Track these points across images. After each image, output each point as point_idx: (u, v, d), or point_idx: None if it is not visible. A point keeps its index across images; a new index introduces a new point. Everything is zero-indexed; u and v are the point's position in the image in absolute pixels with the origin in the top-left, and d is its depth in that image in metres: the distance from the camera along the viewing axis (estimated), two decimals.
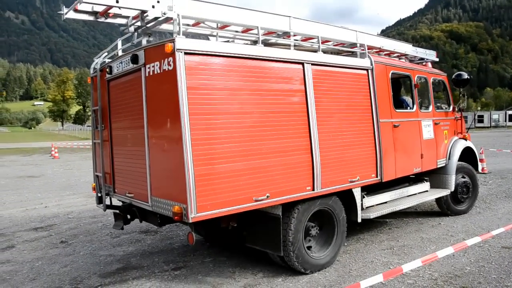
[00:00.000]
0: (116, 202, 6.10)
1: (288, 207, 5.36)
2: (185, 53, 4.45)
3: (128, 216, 5.75)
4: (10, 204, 11.56)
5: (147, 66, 4.90)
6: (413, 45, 7.96)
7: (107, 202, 6.11)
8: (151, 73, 4.87)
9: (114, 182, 6.00)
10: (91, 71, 6.26)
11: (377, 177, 6.41)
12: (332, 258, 5.82)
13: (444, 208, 8.34)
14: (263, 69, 5.10)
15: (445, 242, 6.74)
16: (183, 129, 4.36)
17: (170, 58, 4.48)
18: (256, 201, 4.89)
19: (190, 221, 4.39)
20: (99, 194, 6.17)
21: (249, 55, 4.96)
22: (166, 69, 4.57)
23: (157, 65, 4.73)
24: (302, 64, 5.47)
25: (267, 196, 4.97)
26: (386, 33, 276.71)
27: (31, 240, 7.73)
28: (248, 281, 5.37)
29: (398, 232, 7.51)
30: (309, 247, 5.70)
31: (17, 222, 9.32)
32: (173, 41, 4.43)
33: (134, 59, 5.04)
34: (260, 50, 5.09)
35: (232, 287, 5.24)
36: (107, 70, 5.82)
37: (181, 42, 4.44)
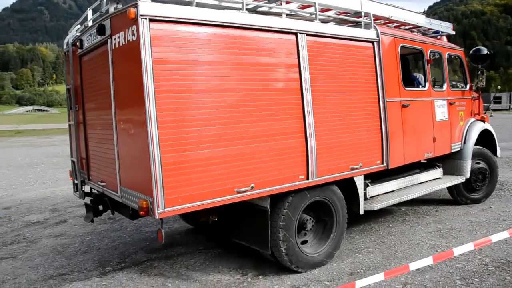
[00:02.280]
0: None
1: (278, 199, 4.62)
2: (151, 20, 3.68)
3: (100, 207, 5.09)
4: (62, 181, 11.89)
5: (113, 37, 4.15)
6: (426, 16, 7.02)
7: (88, 189, 5.47)
8: (117, 45, 4.12)
9: (88, 168, 5.33)
10: (64, 46, 5.54)
11: (382, 163, 5.61)
12: (330, 255, 5.09)
13: (455, 196, 7.51)
14: (248, 39, 4.29)
15: (497, 227, 6.21)
16: (148, 110, 3.63)
17: (134, 27, 3.71)
18: (239, 192, 4.15)
19: (157, 217, 3.69)
20: (76, 181, 5.52)
21: (231, 23, 4.15)
22: (130, 40, 3.81)
23: (122, 35, 3.97)
24: (296, 34, 4.63)
25: (252, 187, 4.23)
26: (434, 9, 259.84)
27: (82, 215, 7.46)
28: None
29: (445, 214, 7.03)
30: (304, 242, 4.97)
31: (68, 198, 9.49)
32: (136, 5, 3.66)
33: (100, 30, 4.29)
34: (244, 18, 4.27)
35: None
36: (77, 44, 5.10)
37: (146, 7, 3.66)
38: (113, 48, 4.19)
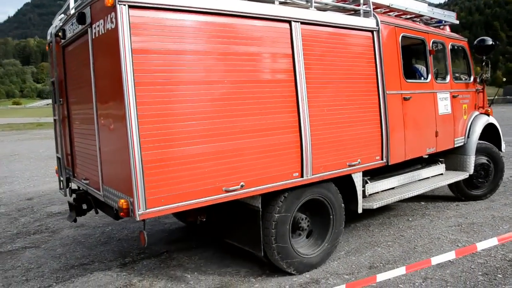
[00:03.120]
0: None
1: (270, 198, 4.33)
2: (130, 7, 3.37)
3: (84, 206, 4.81)
4: None
5: (93, 26, 3.86)
6: (429, 5, 6.68)
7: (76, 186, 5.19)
8: (96, 35, 3.83)
9: (73, 165, 5.05)
10: (48, 36, 5.25)
11: (382, 159, 5.31)
12: (327, 255, 4.81)
13: (455, 192, 7.21)
14: (238, 28, 3.98)
15: None
16: (127, 103, 3.33)
17: (112, 14, 3.41)
18: (227, 191, 3.87)
19: (137, 218, 3.41)
20: (61, 178, 5.25)
21: (219, 10, 3.83)
22: (109, 28, 3.51)
23: (101, 23, 3.67)
24: (289, 22, 4.31)
25: (242, 186, 3.94)
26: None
27: None
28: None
29: (466, 208, 6.83)
30: (298, 242, 4.69)
31: None
32: None
33: (80, 18, 3.99)
34: (233, 4, 3.94)
35: None
36: (59, 34, 4.81)
37: None
38: (93, 37, 3.89)
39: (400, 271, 3.98)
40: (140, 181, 3.38)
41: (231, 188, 3.86)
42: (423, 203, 7.22)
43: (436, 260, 4.20)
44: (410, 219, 6.41)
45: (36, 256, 5.48)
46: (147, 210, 3.44)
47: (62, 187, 5.20)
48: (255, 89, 4.05)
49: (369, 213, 6.44)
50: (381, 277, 3.90)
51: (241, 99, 3.96)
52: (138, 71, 3.38)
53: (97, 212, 4.64)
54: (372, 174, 5.57)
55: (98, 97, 3.96)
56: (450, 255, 4.28)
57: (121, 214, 3.49)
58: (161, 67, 3.50)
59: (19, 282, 4.71)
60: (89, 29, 3.93)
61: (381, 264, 4.79)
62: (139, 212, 3.40)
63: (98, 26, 3.73)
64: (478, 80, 7.36)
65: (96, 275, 4.77)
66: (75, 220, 4.80)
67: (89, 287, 4.50)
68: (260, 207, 4.22)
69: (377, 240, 5.58)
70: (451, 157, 6.92)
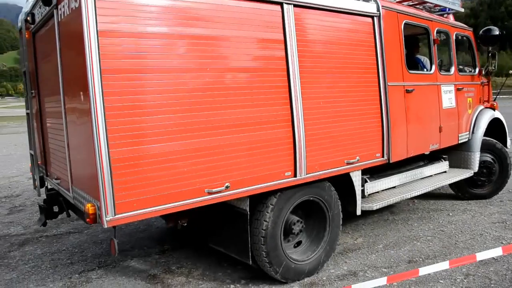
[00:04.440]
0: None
1: (259, 199, 3.88)
2: None
3: (55, 208, 4.34)
4: None
5: (59, 6, 3.39)
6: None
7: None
8: (62, 16, 3.36)
9: (46, 163, 4.59)
10: (18, 22, 4.76)
11: (383, 156, 4.85)
12: (322, 261, 4.35)
13: (455, 190, 6.76)
14: (222, 9, 3.49)
15: None
16: (92, 93, 2.87)
17: None
18: (210, 193, 3.40)
19: (105, 225, 2.95)
20: (35, 177, 4.78)
21: None
22: (73, 8, 3.04)
23: (66, 3, 3.20)
24: (281, 4, 3.83)
25: (227, 187, 3.48)
26: None
27: None
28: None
29: (511, 205, 6.49)
30: (290, 248, 4.25)
31: None
32: None
33: None
34: None
35: None
36: (28, 19, 4.33)
37: None
38: (59, 20, 3.43)
39: (443, 265, 3.81)
40: (108, 182, 2.92)
41: (214, 190, 3.40)
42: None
43: (481, 256, 4.03)
44: (450, 214, 6.14)
45: (79, 241, 5.56)
46: (117, 216, 2.98)
47: (35, 186, 4.73)
48: (242, 79, 3.59)
49: (408, 207, 6.46)
50: (423, 271, 3.73)
51: (226, 89, 3.49)
52: (105, 56, 2.90)
53: (68, 216, 4.17)
54: (372, 172, 5.12)
55: (65, 87, 3.50)
56: (497, 252, 4.07)
57: (87, 220, 3.03)
58: (131, 52, 3.03)
59: (64, 264, 4.83)
60: (55, 11, 3.47)
61: (420, 259, 4.61)
62: (107, 219, 2.94)
63: (64, 6, 3.26)
64: (483, 72, 6.90)
65: (136, 261, 4.84)
66: (44, 224, 4.31)
67: (130, 272, 4.53)
68: (248, 210, 3.77)
69: (416, 234, 5.38)
70: (454, 153, 6.47)
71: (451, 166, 6.41)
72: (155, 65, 3.12)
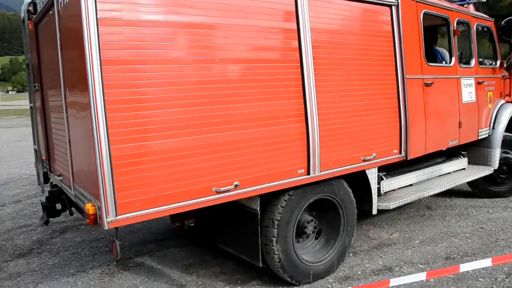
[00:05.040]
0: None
1: (271, 198, 3.66)
2: None
3: (59, 206, 4.16)
4: None
5: None
6: None
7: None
8: (62, 4, 3.16)
9: (49, 159, 4.41)
10: (21, 13, 4.57)
11: (400, 153, 4.58)
12: (336, 263, 4.13)
13: (473, 187, 6.43)
14: None
15: None
16: (91, 85, 2.65)
17: None
18: (218, 193, 3.18)
19: (106, 227, 2.75)
20: (39, 172, 4.60)
21: None
22: None
23: None
24: None
25: (236, 185, 3.26)
26: None
27: None
28: None
29: None
30: (303, 249, 4.02)
31: None
32: None
33: None
34: None
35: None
36: (30, 8, 4.13)
37: None
38: (59, 8, 3.22)
39: (485, 263, 3.68)
40: (109, 181, 2.71)
41: (222, 189, 3.18)
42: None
43: None
44: (490, 211, 5.90)
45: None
46: (118, 217, 2.77)
47: (39, 182, 4.56)
48: (252, 71, 3.34)
49: (445, 203, 6.31)
50: (464, 267, 3.64)
51: (235, 82, 3.26)
52: (105, 46, 2.69)
53: (71, 214, 3.99)
54: (387, 169, 4.85)
55: (65, 80, 3.31)
56: None
57: (87, 221, 2.84)
58: (134, 42, 2.80)
59: (102, 252, 4.89)
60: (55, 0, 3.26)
61: (458, 256, 4.48)
62: (107, 220, 2.74)
63: None
64: (505, 65, 6.56)
65: (172, 251, 4.86)
66: (46, 223, 4.15)
67: (166, 261, 4.57)
68: (258, 209, 3.54)
69: (454, 231, 5.22)
70: (473, 150, 6.16)
71: (469, 162, 6.10)
72: (159, 56, 2.90)
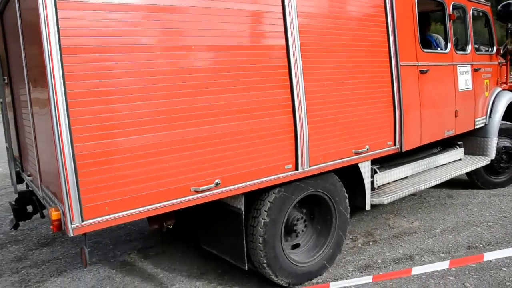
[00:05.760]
0: None
1: (256, 197, 3.39)
2: None
3: (29, 208, 3.87)
4: None
5: None
6: None
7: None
8: None
9: (21, 157, 4.11)
10: None
11: (395, 145, 4.32)
12: (327, 262, 3.87)
13: (473, 178, 6.17)
14: None
15: None
16: (50, 78, 2.35)
17: None
18: (197, 192, 2.90)
19: (71, 234, 2.47)
20: (12, 172, 4.31)
21: None
22: None
23: None
24: None
25: (217, 184, 2.98)
26: None
27: None
28: None
29: None
30: (292, 248, 3.77)
31: None
32: None
33: None
34: None
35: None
36: None
37: None
38: None
39: (509, 252, 3.44)
40: (73, 183, 2.42)
41: (202, 188, 2.90)
42: None
43: None
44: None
45: (137, 220, 5.35)
46: (84, 223, 2.49)
47: (12, 182, 4.26)
48: (233, 58, 3.05)
49: (467, 192, 6.15)
50: (488, 256, 3.39)
51: (215, 70, 2.96)
52: (65, 32, 2.38)
53: (42, 217, 3.70)
54: (381, 162, 4.59)
55: (29, 72, 3.00)
56: None
57: (51, 227, 2.55)
58: (99, 28, 2.50)
59: (123, 241, 4.90)
60: None
61: (481, 245, 4.37)
62: (72, 226, 2.46)
63: None
64: (501, 52, 6.30)
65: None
66: (15, 226, 3.85)
67: (186, 251, 4.49)
68: (242, 209, 3.27)
69: (476, 219, 5.09)
70: (469, 139, 5.91)
71: (466, 153, 5.86)
72: (127, 43, 2.60)
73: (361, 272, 3.88)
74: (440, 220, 5.10)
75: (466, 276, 3.68)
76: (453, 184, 6.22)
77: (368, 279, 2.61)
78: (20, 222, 3.88)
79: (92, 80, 2.48)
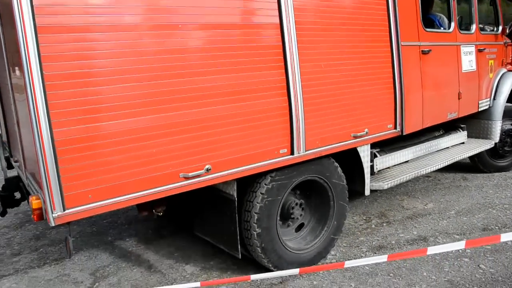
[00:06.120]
0: None
1: (250, 182, 3.26)
2: None
3: (17, 195, 3.76)
4: None
5: None
6: None
7: None
8: None
9: (9, 142, 3.98)
10: None
11: (395, 128, 4.16)
12: (325, 250, 3.76)
13: (476, 161, 5.99)
14: None
15: None
16: (25, 59, 2.19)
17: None
18: (187, 178, 2.77)
19: (52, 223, 2.35)
20: (1, 157, 4.18)
21: None
22: None
23: None
24: None
25: (207, 169, 2.84)
26: None
27: None
28: None
29: None
30: (288, 235, 3.65)
31: None
32: None
33: None
34: None
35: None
36: None
37: None
38: None
39: None
40: (53, 170, 2.29)
41: (191, 174, 2.76)
42: None
43: None
44: None
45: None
46: (66, 211, 2.37)
47: (2, 167, 4.14)
48: (223, 37, 2.88)
49: (482, 174, 6.00)
50: (505, 237, 3.24)
51: (204, 50, 2.80)
52: (40, 10, 2.22)
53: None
54: (381, 145, 4.44)
55: (7, 55, 2.85)
56: None
57: (33, 217, 2.43)
58: (79, 5, 2.33)
59: (139, 221, 4.80)
60: None
61: (496, 227, 4.32)
62: (54, 215, 2.33)
63: None
64: (507, 32, 6.06)
65: None
66: (2, 214, 3.74)
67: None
68: (235, 195, 3.14)
69: (492, 202, 5.03)
70: (472, 122, 5.73)
71: (469, 136, 5.68)
72: (109, 21, 2.43)
73: (375, 253, 3.87)
74: (455, 202, 5.04)
75: (481, 258, 3.63)
76: (468, 166, 6.12)
77: (383, 258, 2.53)
78: (7, 209, 3.76)
79: (71, 62, 2.33)
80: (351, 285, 3.37)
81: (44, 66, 2.23)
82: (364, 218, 4.67)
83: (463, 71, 5.08)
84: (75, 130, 2.35)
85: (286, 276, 3.45)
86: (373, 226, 4.47)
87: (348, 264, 2.87)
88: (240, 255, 3.22)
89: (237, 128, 2.96)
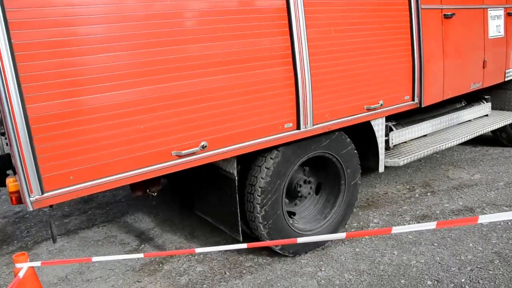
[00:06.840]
0: None
1: (252, 160, 2.98)
2: None
3: (10, 172, 3.57)
4: None
5: None
6: None
7: None
8: None
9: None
10: None
11: (413, 100, 3.79)
12: (335, 230, 3.50)
13: (498, 134, 5.57)
14: None
15: None
16: None
17: None
18: (180, 157, 2.51)
19: (30, 208, 2.13)
20: None
21: None
22: None
23: None
24: None
25: (203, 147, 2.58)
26: None
27: None
28: None
29: None
30: (295, 214, 3.40)
31: None
32: None
33: None
34: None
35: None
36: None
37: None
38: None
39: None
40: (27, 150, 2.05)
41: (185, 152, 2.50)
42: None
43: None
44: None
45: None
46: (45, 194, 2.14)
47: None
48: (221, 1, 2.55)
49: None
50: None
51: (199, 13, 2.48)
52: None
53: None
54: (397, 118, 4.09)
55: None
56: None
57: (11, 200, 2.22)
58: None
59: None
60: None
61: None
62: (31, 199, 2.11)
63: None
64: None
65: None
66: None
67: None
68: (235, 174, 2.87)
69: None
70: (497, 93, 5.30)
71: (493, 108, 5.26)
72: None
73: (419, 222, 3.74)
74: (504, 173, 4.78)
75: None
76: None
77: (431, 225, 2.31)
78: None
79: (46, 29, 2.05)
80: (393, 253, 3.29)
81: (13, 34, 1.96)
82: (408, 187, 4.55)
83: (489, 37, 4.62)
84: (53, 105, 2.09)
85: (328, 242, 3.41)
86: (416, 195, 4.34)
87: (395, 230, 2.65)
88: (241, 237, 2.98)
89: (236, 100, 2.66)
